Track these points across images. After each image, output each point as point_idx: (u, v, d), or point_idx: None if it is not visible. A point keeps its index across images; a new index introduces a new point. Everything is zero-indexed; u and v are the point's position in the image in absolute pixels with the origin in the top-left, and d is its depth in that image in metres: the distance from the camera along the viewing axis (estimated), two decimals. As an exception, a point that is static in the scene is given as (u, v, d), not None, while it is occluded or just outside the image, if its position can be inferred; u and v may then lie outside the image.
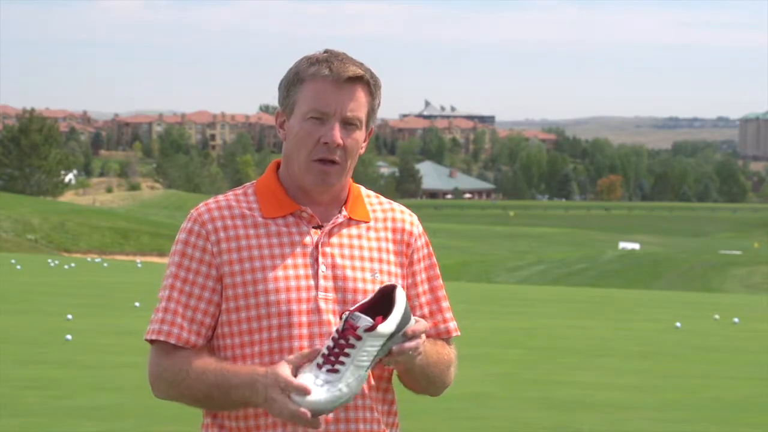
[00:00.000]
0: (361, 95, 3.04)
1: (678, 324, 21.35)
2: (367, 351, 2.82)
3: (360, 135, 3.06)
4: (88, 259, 51.63)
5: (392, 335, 2.87)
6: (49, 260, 43.56)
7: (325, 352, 2.83)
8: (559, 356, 16.13)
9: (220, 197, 3.12)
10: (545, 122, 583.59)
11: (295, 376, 2.83)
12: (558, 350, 16.90)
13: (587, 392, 12.52)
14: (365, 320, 2.83)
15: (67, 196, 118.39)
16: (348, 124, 3.03)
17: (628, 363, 15.53)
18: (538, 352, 16.58)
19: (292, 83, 3.07)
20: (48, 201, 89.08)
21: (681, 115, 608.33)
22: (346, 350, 2.82)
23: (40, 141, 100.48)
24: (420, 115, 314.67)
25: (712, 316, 24.04)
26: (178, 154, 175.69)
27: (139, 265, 44.65)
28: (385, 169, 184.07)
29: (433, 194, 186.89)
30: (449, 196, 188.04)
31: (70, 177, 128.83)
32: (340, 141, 3.01)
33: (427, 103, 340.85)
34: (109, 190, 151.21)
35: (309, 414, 2.78)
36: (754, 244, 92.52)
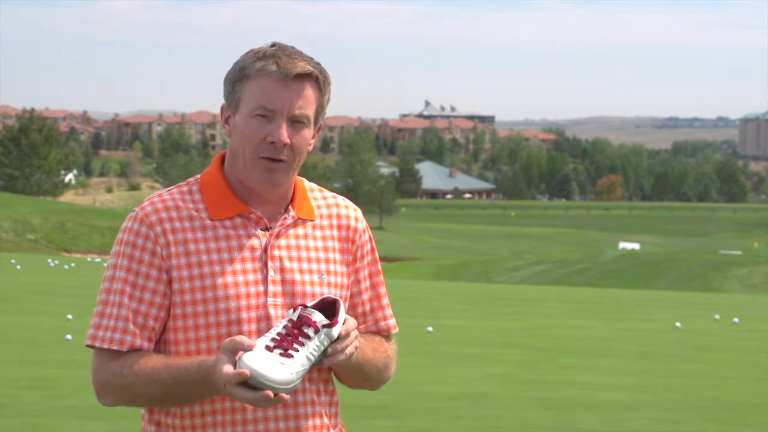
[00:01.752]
0: (309, 92, 2.97)
1: (678, 324, 21.35)
2: (317, 346, 2.82)
3: (308, 133, 2.99)
4: (88, 259, 51.63)
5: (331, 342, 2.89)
6: (49, 260, 43.57)
7: (277, 337, 2.80)
8: (559, 356, 16.13)
9: (165, 195, 3.02)
10: (545, 122, 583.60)
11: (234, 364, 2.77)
12: (558, 350, 16.89)
13: (587, 392, 12.51)
14: (321, 317, 2.83)
15: (67, 196, 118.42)
16: (295, 122, 2.96)
17: (628, 363, 15.52)
18: (538, 352, 16.57)
19: (237, 79, 2.98)
20: (48, 201, 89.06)
21: (681, 115, 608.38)
22: (301, 339, 2.80)
23: (40, 141, 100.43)
24: (420, 115, 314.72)
25: (712, 316, 24.04)
26: (178, 154, 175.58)
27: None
28: (385, 169, 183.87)
29: (433, 194, 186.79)
30: (449, 196, 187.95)
31: (70, 177, 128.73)
32: (287, 140, 2.94)
33: (427, 103, 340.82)
34: (109, 190, 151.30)
35: (272, 395, 2.73)
36: (754, 244, 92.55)
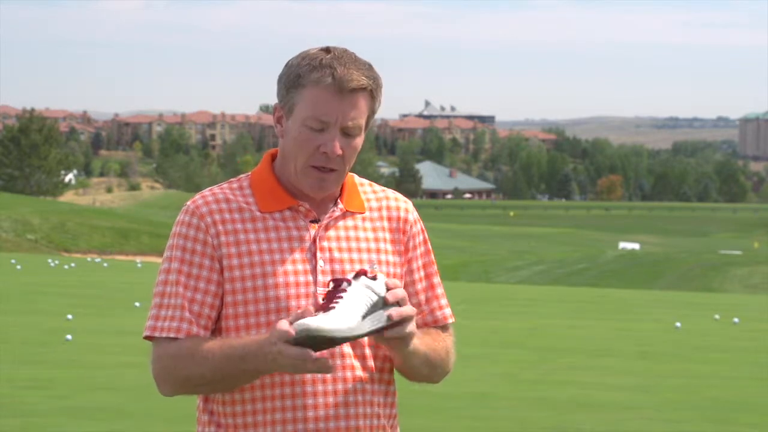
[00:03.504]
0: (362, 104, 3.01)
1: (678, 324, 21.35)
2: (358, 293, 2.84)
3: (359, 141, 3.04)
4: (88, 259, 51.62)
5: (381, 303, 2.87)
6: (49, 260, 43.56)
7: (319, 302, 2.90)
8: (559, 356, 16.14)
9: (216, 189, 3.10)
10: (545, 122, 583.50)
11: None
12: (558, 350, 16.90)
13: (587, 392, 12.52)
14: (352, 273, 2.91)
15: (67, 196, 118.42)
16: (348, 134, 3.01)
17: (628, 363, 15.53)
18: (538, 352, 16.58)
19: (292, 85, 3.01)
20: (48, 201, 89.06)
21: (681, 115, 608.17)
22: (340, 293, 2.85)
23: (40, 141, 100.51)
24: (420, 115, 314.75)
25: (712, 316, 24.05)
26: (178, 154, 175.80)
27: (139, 265, 44.66)
28: (385, 169, 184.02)
29: (433, 194, 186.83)
30: (449, 196, 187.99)
31: (70, 177, 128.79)
32: (339, 152, 2.99)
33: (427, 103, 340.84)
34: (109, 190, 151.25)
35: (312, 355, 2.77)
36: (754, 244, 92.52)
